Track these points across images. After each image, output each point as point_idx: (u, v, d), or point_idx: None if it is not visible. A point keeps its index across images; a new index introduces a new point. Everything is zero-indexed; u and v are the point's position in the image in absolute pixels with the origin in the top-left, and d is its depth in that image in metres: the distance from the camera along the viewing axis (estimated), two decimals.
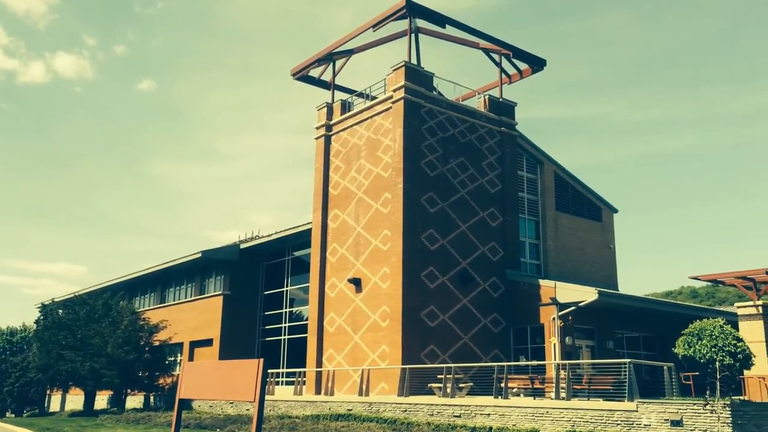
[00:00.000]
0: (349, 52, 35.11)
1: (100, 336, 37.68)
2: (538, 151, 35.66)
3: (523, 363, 26.70)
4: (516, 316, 30.05)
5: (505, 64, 34.55)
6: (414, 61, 31.18)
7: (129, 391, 39.78)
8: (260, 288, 40.85)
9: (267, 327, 39.64)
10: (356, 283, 29.88)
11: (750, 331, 25.14)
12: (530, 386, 23.16)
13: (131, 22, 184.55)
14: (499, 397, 21.55)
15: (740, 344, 20.26)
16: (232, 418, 27.67)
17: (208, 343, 40.01)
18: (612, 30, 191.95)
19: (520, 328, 30.07)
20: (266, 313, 39.99)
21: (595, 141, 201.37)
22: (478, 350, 28.96)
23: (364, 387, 26.48)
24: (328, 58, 35.15)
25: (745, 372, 22.14)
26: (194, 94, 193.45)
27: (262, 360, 7.97)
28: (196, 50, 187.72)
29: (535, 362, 26.76)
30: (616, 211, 39.40)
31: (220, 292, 40.10)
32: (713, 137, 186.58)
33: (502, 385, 21.81)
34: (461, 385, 24.05)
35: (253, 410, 8.20)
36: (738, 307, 26.59)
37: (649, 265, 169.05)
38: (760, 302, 25.79)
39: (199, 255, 39.75)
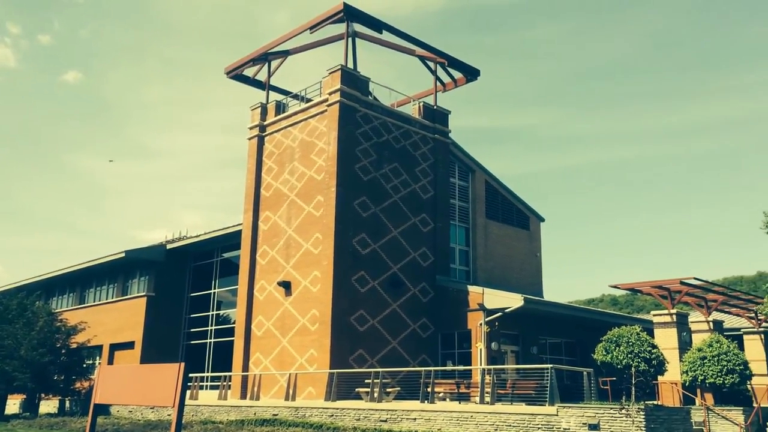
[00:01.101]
0: (285, 53, 34.80)
1: (13, 337, 35.92)
2: (470, 159, 36.27)
3: (449, 368, 27.04)
4: (444, 322, 30.42)
5: (440, 72, 35.01)
6: (350, 65, 31.19)
7: (43, 395, 38.02)
8: (186, 290, 39.85)
9: (192, 330, 38.68)
10: (286, 286, 29.57)
11: (664, 338, 26.27)
12: (456, 391, 23.48)
13: (58, 11, 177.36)
14: (426, 401, 21.73)
15: (655, 351, 21.16)
16: (152, 423, 26.85)
17: (129, 346, 38.70)
18: (542, 44, 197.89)
19: (448, 333, 30.45)
20: (192, 315, 39.02)
21: (525, 151, 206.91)
22: (406, 355, 29.14)
23: (291, 391, 26.19)
24: (264, 57, 34.73)
25: (659, 377, 23.13)
26: (123, 88, 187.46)
27: (182, 364, 7.75)
28: (127, 42, 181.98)
29: (461, 367, 27.16)
30: (543, 220, 40.50)
31: (144, 294, 38.88)
32: (637, 151, 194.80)
33: (429, 389, 22.01)
34: (388, 389, 24.12)
35: (173, 416, 7.96)
36: (654, 315, 27.75)
37: (574, 273, 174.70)
38: (674, 311, 26.99)
39: (123, 254, 38.43)
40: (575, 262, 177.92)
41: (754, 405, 22.32)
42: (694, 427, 20.09)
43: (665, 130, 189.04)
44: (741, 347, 28.21)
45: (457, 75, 35.56)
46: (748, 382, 23.39)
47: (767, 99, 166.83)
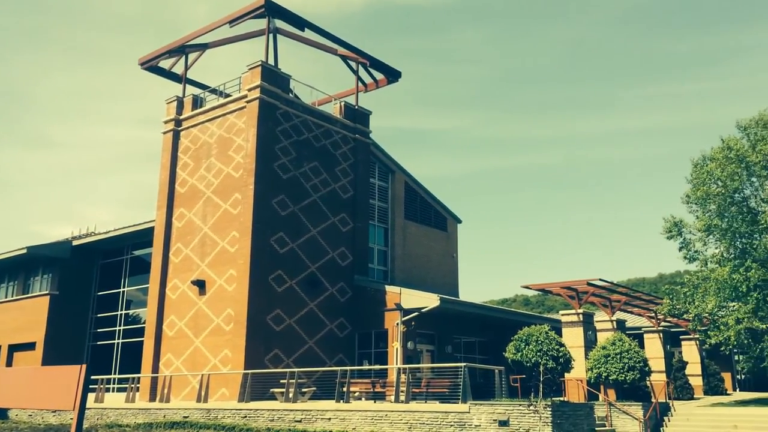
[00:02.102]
0: (204, 46, 33.94)
1: None
2: (391, 160, 36.55)
3: (366, 367, 27.15)
4: (362, 321, 30.50)
5: (362, 72, 35.10)
6: (271, 61, 30.78)
7: None
8: (94, 288, 38.17)
9: (100, 330, 37.08)
10: (200, 285, 28.85)
11: (572, 337, 27.38)
12: (372, 390, 23.60)
13: None
14: (341, 401, 21.73)
15: (562, 349, 22.00)
16: (54, 427, 25.59)
17: (30, 346, 36.69)
18: (464, 48, 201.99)
19: (365, 332, 30.55)
20: (99, 315, 37.40)
21: (444, 153, 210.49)
22: (323, 355, 29.03)
23: (203, 393, 25.56)
24: (181, 50, 33.75)
25: (566, 374, 24.05)
26: (25, 76, 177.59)
27: (84, 366, 7.40)
28: (29, 28, 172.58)
29: (377, 366, 27.31)
30: (460, 221, 41.30)
31: (47, 292, 36.96)
32: (552, 156, 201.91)
33: (345, 389, 22.02)
34: (304, 389, 23.97)
35: (73, 419, 7.59)
36: (562, 315, 28.86)
37: (489, 274, 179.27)
38: (581, 310, 28.15)
39: (24, 251, 36.42)
40: (490, 263, 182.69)
41: (653, 400, 23.55)
42: (597, 422, 21.01)
43: (579, 137, 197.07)
44: (642, 345, 29.77)
45: (379, 76, 35.75)
46: (648, 379, 24.65)
47: (677, 111, 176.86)
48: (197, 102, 32.68)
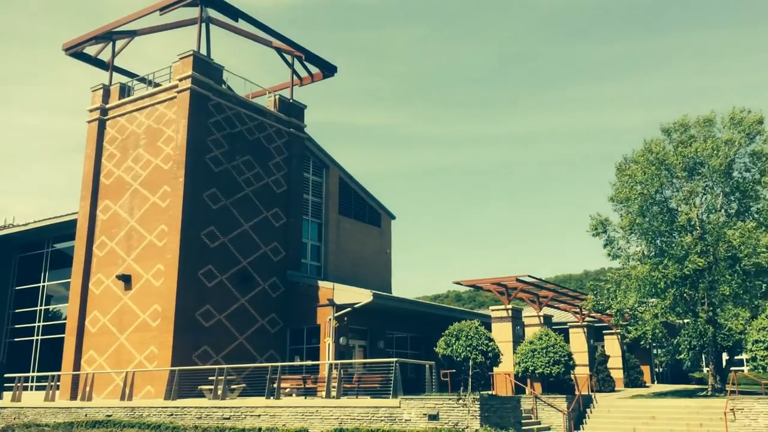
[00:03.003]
0: (132, 33, 32.83)
1: None
2: (325, 155, 36.35)
3: (297, 363, 26.94)
4: (294, 317, 30.25)
5: (298, 66, 34.73)
6: (204, 51, 30.06)
7: None
8: (11, 283, 36.36)
9: (17, 326, 35.37)
10: (126, 279, 27.94)
11: (501, 332, 27.98)
12: (303, 386, 23.42)
13: None
14: (271, 397, 21.48)
15: (491, 344, 22.46)
16: None
17: None
18: (401, 45, 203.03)
19: (297, 328, 30.32)
20: (17, 310, 35.68)
21: (378, 150, 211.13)
22: (253, 351, 28.63)
23: (127, 391, 24.77)
24: (108, 36, 32.53)
25: (495, 369, 24.57)
26: None
27: None
28: None
29: (309, 362, 27.14)
30: (394, 217, 41.51)
31: None
32: (484, 153, 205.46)
33: (275, 385, 21.78)
34: (233, 386, 23.57)
35: None
36: (492, 310, 29.44)
37: (422, 270, 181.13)
38: (510, 306, 28.79)
39: None
40: (424, 260, 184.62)
41: (576, 393, 24.34)
42: (524, 415, 21.53)
43: (512, 135, 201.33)
44: (567, 340, 30.74)
45: (315, 70, 35.48)
46: (572, 372, 25.48)
47: (603, 113, 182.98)
48: (125, 91, 31.59)
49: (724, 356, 28.63)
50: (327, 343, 27.69)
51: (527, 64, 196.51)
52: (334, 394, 20.59)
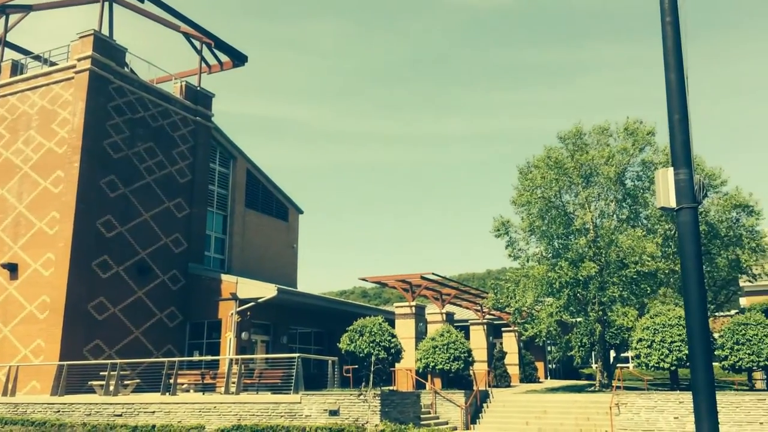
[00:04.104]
0: (28, 8, 30.86)
1: None
2: (233, 146, 35.54)
3: (196, 358, 26.25)
4: (194, 311, 29.41)
5: (207, 53, 33.78)
6: (106, 32, 28.64)
7: None
8: None
9: None
10: (12, 268, 26.25)
11: (404, 328, 28.36)
12: (201, 382, 22.85)
13: None
14: (167, 393, 20.81)
15: (394, 340, 22.69)
16: None
17: None
18: (321, 39, 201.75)
19: (197, 322, 29.50)
20: None
21: (289, 144, 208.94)
22: (150, 345, 27.61)
23: (10, 386, 23.31)
24: (1, 9, 30.41)
25: (397, 365, 24.87)
26: None
27: None
28: None
29: (208, 357, 26.51)
30: (302, 212, 41.17)
31: None
32: (398, 153, 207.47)
33: (172, 381, 21.11)
34: (126, 382, 22.66)
35: None
36: (396, 307, 29.79)
37: (330, 265, 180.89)
38: (414, 303, 29.23)
39: None
40: (332, 255, 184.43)
41: (474, 388, 25.03)
42: (423, 410, 21.93)
43: (424, 136, 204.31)
44: (468, 337, 31.56)
45: (224, 58, 34.64)
46: (471, 368, 26.18)
47: (513, 117, 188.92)
48: (17, 68, 29.66)
49: (612, 353, 30.26)
50: (228, 338, 27.10)
51: (445, 66, 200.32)
52: (233, 389, 20.20)
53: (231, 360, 21.78)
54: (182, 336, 29.38)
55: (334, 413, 18.29)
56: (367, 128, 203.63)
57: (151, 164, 29.14)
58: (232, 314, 27.30)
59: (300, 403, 18.60)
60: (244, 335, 27.45)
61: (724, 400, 19.55)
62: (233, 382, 20.40)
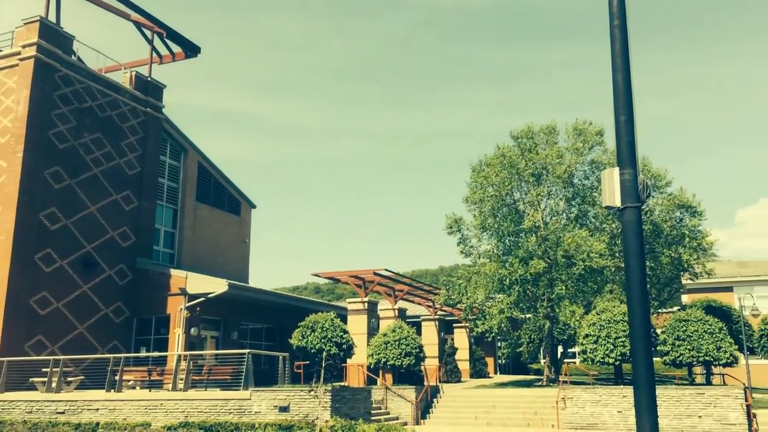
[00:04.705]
0: None
1: None
2: (185, 138, 34.88)
3: (143, 354, 25.70)
4: (142, 306, 28.80)
5: (158, 43, 33.05)
6: (53, 18, 27.73)
7: None
8: None
9: None
10: None
11: (356, 324, 28.35)
12: (148, 379, 22.40)
13: None
14: (112, 390, 20.35)
15: (346, 336, 22.67)
16: None
17: None
18: (282, 34, 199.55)
19: (145, 318, 28.89)
20: None
21: (243, 137, 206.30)
22: (95, 341, 26.91)
23: None
24: None
25: (349, 360, 24.86)
26: None
27: None
28: None
29: (156, 353, 25.98)
30: (254, 206, 40.71)
31: None
32: (353, 148, 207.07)
33: (117, 377, 20.65)
34: (70, 378, 22.05)
35: None
36: (348, 303, 29.76)
37: (283, 261, 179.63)
38: (366, 299, 29.23)
39: None
40: (285, 251, 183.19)
41: (425, 384, 25.21)
42: (374, 405, 21.98)
43: (379, 132, 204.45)
44: (419, 332, 31.75)
45: (177, 49, 33.94)
46: (422, 364, 26.34)
47: (467, 115, 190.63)
48: None
49: (559, 349, 30.91)
50: (177, 334, 26.63)
51: (400, 62, 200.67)
52: (181, 386, 19.87)
53: (179, 356, 21.43)
54: (129, 332, 28.74)
55: (284, 409, 18.18)
56: (323, 123, 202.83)
57: (99, 155, 28.38)
58: (181, 309, 26.84)
59: (250, 399, 18.43)
60: (193, 331, 27.01)
61: (665, 394, 20.18)
62: (181, 379, 20.07)
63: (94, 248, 27.52)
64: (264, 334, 34.04)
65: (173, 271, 28.62)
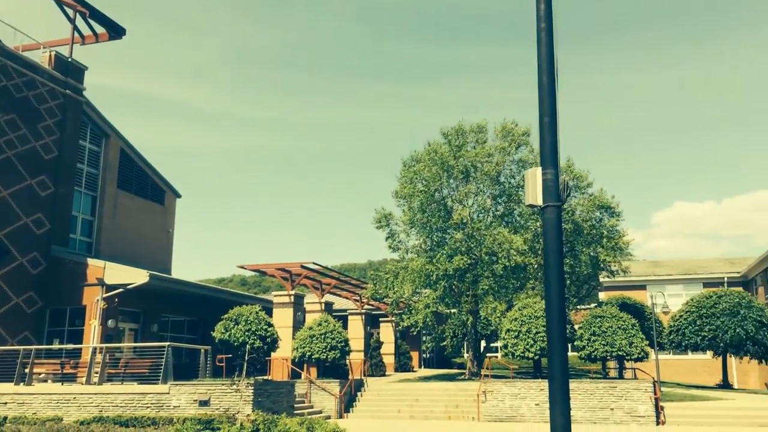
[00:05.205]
0: None
1: None
2: (106, 123, 33.51)
3: (56, 346, 24.63)
4: (56, 296, 27.54)
5: (81, 23, 31.61)
6: None
7: None
8: None
9: None
10: None
11: (282, 318, 28.10)
12: (61, 372, 21.48)
13: None
14: (22, 383, 19.42)
15: (271, 329, 22.43)
16: None
17: None
18: (206, 19, 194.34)
19: (59, 309, 27.65)
20: None
21: (168, 124, 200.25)
22: (4, 332, 25.54)
23: None
24: None
25: (273, 354, 24.59)
26: None
27: None
28: None
29: (70, 346, 24.98)
30: (179, 196, 39.60)
31: None
32: (281, 139, 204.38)
33: (27, 370, 19.71)
34: None
35: None
36: (274, 296, 29.45)
37: (208, 252, 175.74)
38: (293, 292, 29.02)
39: None
40: (211, 242, 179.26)
41: (350, 377, 25.26)
42: (297, 399, 21.85)
43: (308, 123, 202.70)
44: (346, 326, 31.78)
45: (100, 30, 32.54)
46: (348, 357, 26.38)
47: (400, 110, 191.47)
48: None
49: (482, 343, 31.59)
50: (93, 326, 25.63)
51: (334, 55, 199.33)
52: (96, 380, 19.17)
53: (94, 348, 20.67)
54: (41, 323, 27.44)
55: (204, 403, 17.82)
56: (252, 113, 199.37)
57: (13, 138, 26.93)
58: (98, 300, 25.84)
59: (168, 393, 17.96)
60: (110, 323, 26.06)
61: (580, 387, 20.93)
62: (96, 372, 19.36)
63: (4, 235, 26.12)
64: (186, 326, 33.23)
65: (90, 261, 27.51)
